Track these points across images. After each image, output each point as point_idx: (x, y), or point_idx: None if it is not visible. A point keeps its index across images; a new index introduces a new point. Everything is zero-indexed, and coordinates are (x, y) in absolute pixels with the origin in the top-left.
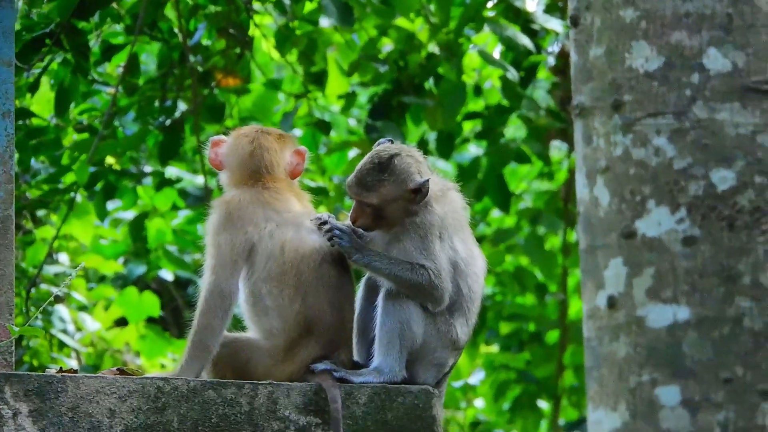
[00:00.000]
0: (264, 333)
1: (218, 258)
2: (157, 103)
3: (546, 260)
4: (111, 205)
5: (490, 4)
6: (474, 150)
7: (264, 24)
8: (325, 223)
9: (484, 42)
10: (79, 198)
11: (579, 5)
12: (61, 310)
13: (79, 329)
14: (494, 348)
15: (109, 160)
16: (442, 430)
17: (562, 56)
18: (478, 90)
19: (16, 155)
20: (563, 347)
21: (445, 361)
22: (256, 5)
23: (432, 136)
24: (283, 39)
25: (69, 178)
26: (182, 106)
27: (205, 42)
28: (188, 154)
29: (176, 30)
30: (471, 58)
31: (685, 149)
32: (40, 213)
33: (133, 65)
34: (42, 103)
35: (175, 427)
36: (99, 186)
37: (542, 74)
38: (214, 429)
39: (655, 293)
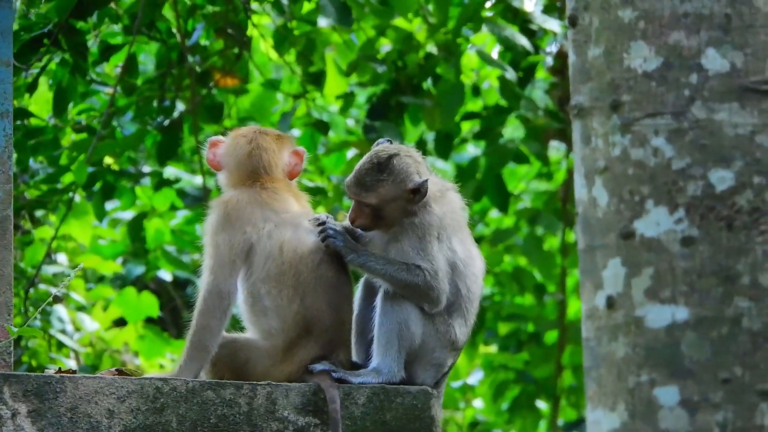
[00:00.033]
0: (262, 333)
1: (217, 258)
2: (155, 103)
3: (544, 260)
4: (109, 205)
5: (488, 5)
6: (472, 150)
7: (262, 24)
8: (322, 223)
9: (483, 42)
10: (77, 198)
11: (577, 5)
12: (60, 310)
13: (77, 329)
14: (493, 348)
15: (108, 160)
16: (440, 431)
17: (561, 56)
18: (476, 90)
19: (15, 155)
20: (562, 347)
21: (443, 362)
22: (254, 5)
23: (430, 137)
24: (282, 39)
25: (67, 179)
26: (180, 107)
27: (204, 42)
28: (187, 154)
29: (174, 30)
30: (469, 59)
31: (684, 149)
32: (39, 213)
33: (131, 65)
34: (40, 103)
35: (173, 428)
36: (97, 186)
37: (540, 74)
38: (212, 429)
39: (653, 293)
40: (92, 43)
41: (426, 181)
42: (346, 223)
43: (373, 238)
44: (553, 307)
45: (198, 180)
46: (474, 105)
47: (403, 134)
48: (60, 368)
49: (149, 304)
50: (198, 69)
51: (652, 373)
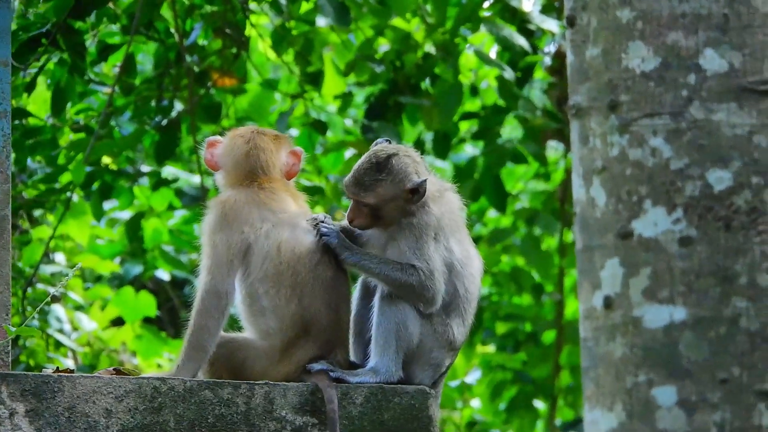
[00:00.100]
0: (260, 333)
1: (214, 258)
2: (153, 103)
3: (542, 260)
4: (107, 204)
5: (486, 4)
6: (470, 150)
7: (260, 24)
8: (320, 222)
9: (481, 42)
10: (75, 198)
11: (575, 5)
12: (58, 309)
13: (75, 329)
14: (490, 348)
15: (106, 159)
16: (438, 431)
17: (559, 56)
18: (474, 90)
19: (13, 155)
20: (560, 347)
21: (441, 362)
22: (253, 5)
23: (428, 136)
24: (280, 39)
25: (65, 178)
26: (179, 106)
27: (202, 42)
28: (185, 154)
29: (172, 30)
30: (467, 58)
31: (682, 150)
32: (37, 213)
33: (129, 65)
34: (38, 103)
35: (171, 427)
36: (95, 186)
37: (539, 74)
38: (210, 429)
39: (651, 293)
40: (90, 43)
41: (425, 181)
42: (344, 222)
43: (370, 238)
44: (550, 307)
45: (196, 180)
46: (472, 105)
47: (401, 134)
48: (58, 368)
49: (147, 303)
50: (196, 69)
51: (649, 373)
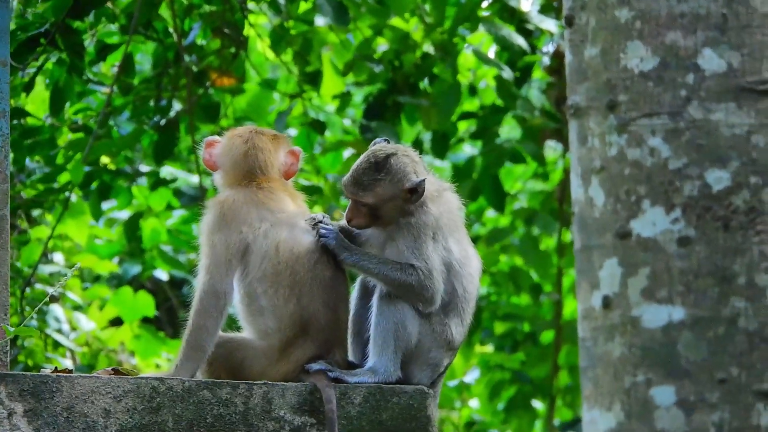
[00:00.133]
0: (259, 333)
1: (213, 258)
2: (152, 103)
3: (541, 260)
4: (106, 204)
5: (484, 4)
6: (469, 150)
7: (259, 24)
8: (318, 223)
9: (479, 42)
10: (74, 198)
11: (574, 5)
12: (56, 309)
13: (73, 329)
14: (489, 348)
15: (104, 159)
16: (436, 430)
17: (557, 56)
18: (473, 90)
19: (11, 155)
20: (558, 347)
21: (439, 362)
22: (251, 5)
23: (427, 136)
24: (278, 39)
25: (64, 178)
26: (177, 106)
27: (200, 42)
28: (183, 154)
29: (171, 29)
30: (466, 58)
31: (680, 149)
32: (35, 213)
33: (127, 65)
34: (37, 103)
35: (170, 427)
36: (94, 185)
37: (537, 74)
38: (209, 429)
39: (650, 293)
40: (89, 43)
41: (423, 180)
42: (343, 222)
43: (369, 238)
44: (549, 307)
45: (195, 179)
46: (470, 105)
47: (399, 134)
48: (56, 368)
49: (145, 303)
50: (195, 68)
51: (648, 373)
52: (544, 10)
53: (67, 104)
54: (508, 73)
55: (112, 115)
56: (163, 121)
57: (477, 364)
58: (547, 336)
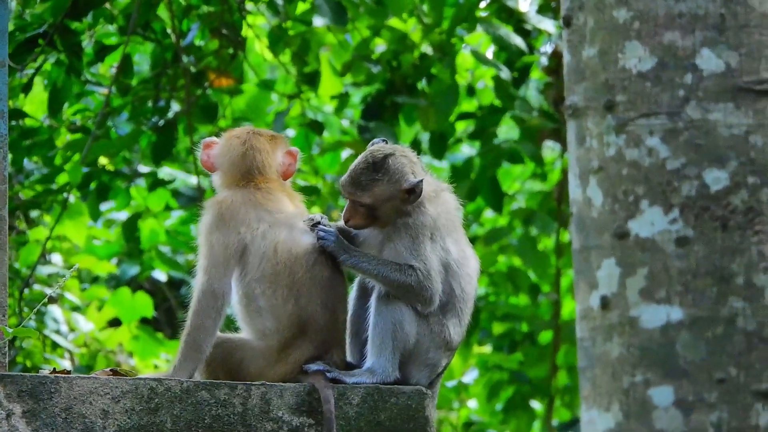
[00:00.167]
0: (257, 333)
1: (211, 258)
2: (150, 104)
3: (539, 261)
4: (104, 205)
5: (482, 4)
6: (467, 150)
7: (257, 24)
8: (317, 224)
9: (477, 42)
10: (72, 198)
11: (572, 5)
12: (55, 310)
13: (72, 330)
14: (487, 348)
15: (103, 160)
16: (435, 431)
17: (555, 56)
18: (471, 90)
19: (10, 156)
20: (556, 347)
21: (438, 362)
22: (249, 5)
23: (425, 137)
24: (276, 39)
25: (62, 179)
26: (175, 107)
27: (198, 42)
28: (181, 155)
29: (169, 30)
30: (464, 59)
31: (678, 149)
32: (34, 213)
33: (126, 65)
34: (35, 104)
35: (168, 428)
36: (92, 186)
37: (535, 74)
38: (207, 430)
39: (648, 293)
40: (87, 44)
41: (421, 181)
42: (341, 223)
43: (367, 238)
44: (547, 307)
45: (193, 180)
46: (468, 105)
47: (397, 134)
48: (54, 369)
49: (144, 304)
50: (193, 69)
51: (646, 373)
52: (542, 10)
53: (66, 105)
54: (506, 74)
55: (110, 116)
56: (161, 122)
57: (475, 365)
58: (546, 336)
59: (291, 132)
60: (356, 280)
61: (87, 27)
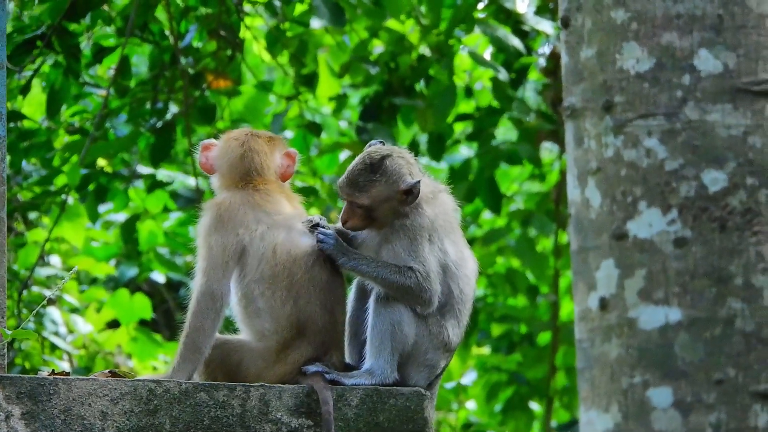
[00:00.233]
0: (256, 335)
1: (209, 260)
2: (148, 105)
3: (537, 262)
4: (102, 207)
5: (480, 6)
6: (465, 152)
7: (255, 26)
8: (316, 225)
9: (475, 43)
10: (70, 200)
11: (570, 6)
12: (53, 312)
13: (70, 331)
14: (486, 350)
15: (101, 162)
16: None
17: (553, 57)
18: (469, 91)
19: (8, 157)
20: (555, 349)
21: (436, 363)
22: (247, 7)
23: (423, 138)
24: (274, 41)
25: (60, 180)
26: (173, 108)
27: (196, 44)
28: (180, 156)
29: (167, 32)
30: (462, 60)
31: (677, 150)
32: (32, 215)
33: (124, 67)
34: (33, 105)
35: (167, 430)
36: (90, 188)
37: (533, 76)
38: (206, 431)
39: (646, 294)
40: (85, 45)
41: (418, 182)
42: (339, 225)
43: (365, 240)
44: (546, 308)
45: (191, 182)
46: (466, 106)
47: (395, 135)
48: (53, 370)
49: (142, 306)
50: (191, 71)
51: (645, 374)
52: (540, 11)
53: (64, 107)
54: (504, 75)
55: (108, 118)
56: (159, 124)
57: (474, 366)
58: (544, 337)
59: (289, 133)
60: (355, 282)
61: (85, 29)
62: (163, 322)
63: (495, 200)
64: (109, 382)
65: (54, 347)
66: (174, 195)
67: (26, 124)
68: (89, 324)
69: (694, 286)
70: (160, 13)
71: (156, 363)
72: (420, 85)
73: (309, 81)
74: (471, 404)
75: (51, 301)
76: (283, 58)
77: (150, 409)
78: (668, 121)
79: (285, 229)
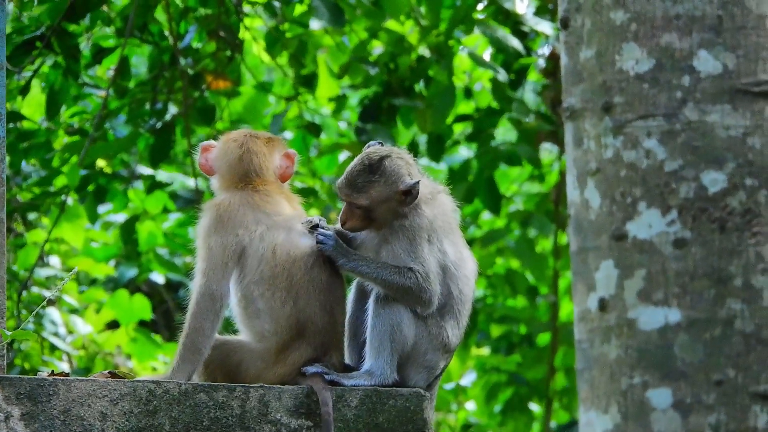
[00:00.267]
0: (255, 336)
1: (209, 261)
2: (147, 106)
3: (537, 262)
4: (102, 208)
5: (480, 6)
6: (464, 152)
7: (254, 26)
8: (315, 226)
9: (474, 44)
10: (70, 201)
11: (569, 7)
12: (53, 313)
13: (70, 332)
14: (485, 350)
15: (100, 162)
16: None
17: (552, 58)
18: (468, 92)
19: (7, 158)
20: (554, 349)
21: (436, 364)
22: (247, 8)
23: (422, 139)
24: (274, 41)
25: (60, 181)
26: (173, 109)
27: (196, 45)
28: (179, 157)
29: (167, 33)
30: (461, 61)
31: (676, 151)
32: (32, 216)
33: (123, 68)
34: (33, 106)
35: (166, 430)
36: (90, 189)
37: (532, 76)
38: None
39: (646, 295)
40: (84, 46)
41: (417, 182)
42: (338, 225)
43: (364, 241)
44: (545, 309)
45: (190, 183)
46: (466, 107)
47: (395, 136)
48: (53, 371)
49: (142, 306)
50: (190, 71)
51: (644, 374)
52: (540, 12)
53: (63, 107)
54: (503, 76)
55: (107, 118)
56: (158, 124)
57: (473, 367)
58: (544, 338)
59: (288, 134)
60: (354, 283)
61: (84, 29)
62: (163, 322)
63: (494, 201)
64: (109, 383)
65: (53, 348)
66: (173, 196)
67: (26, 124)
68: (89, 325)
69: (693, 286)
70: (160, 14)
71: (155, 364)
72: (419, 86)
73: (308, 82)
74: (470, 405)
75: (50, 302)
76: (283, 58)
77: (149, 409)
78: (668, 121)
79: (284, 229)
